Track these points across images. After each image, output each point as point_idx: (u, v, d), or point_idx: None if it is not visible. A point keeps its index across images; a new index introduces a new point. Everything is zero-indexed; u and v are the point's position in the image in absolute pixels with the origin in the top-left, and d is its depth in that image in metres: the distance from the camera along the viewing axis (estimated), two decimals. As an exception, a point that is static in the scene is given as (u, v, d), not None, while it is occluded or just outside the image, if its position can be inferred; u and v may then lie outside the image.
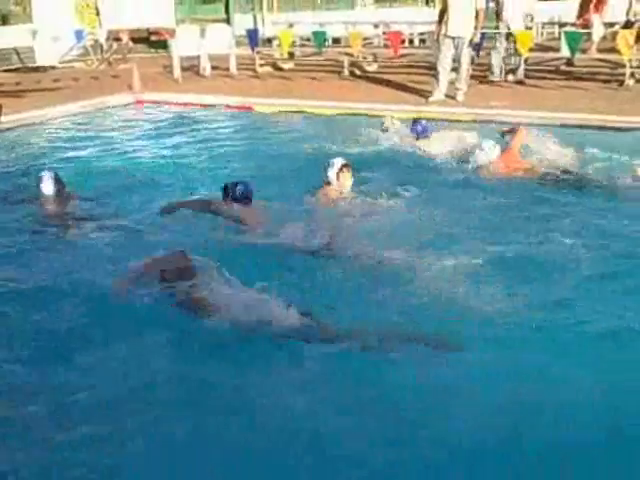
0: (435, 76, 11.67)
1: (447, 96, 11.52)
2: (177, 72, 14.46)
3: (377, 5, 22.23)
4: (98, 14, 17.43)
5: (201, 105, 11.94)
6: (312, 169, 6.99)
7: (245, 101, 11.93)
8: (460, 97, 11.42)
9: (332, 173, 6.51)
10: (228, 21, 19.09)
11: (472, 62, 12.33)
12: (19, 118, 11.02)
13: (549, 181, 7.11)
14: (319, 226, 5.77)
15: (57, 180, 6.60)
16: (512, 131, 7.99)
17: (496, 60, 12.84)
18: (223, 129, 10.49)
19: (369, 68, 14.97)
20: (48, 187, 6.50)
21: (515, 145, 7.72)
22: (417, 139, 8.34)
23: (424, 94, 11.88)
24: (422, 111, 10.62)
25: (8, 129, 10.53)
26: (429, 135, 8.40)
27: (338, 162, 6.55)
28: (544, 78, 12.97)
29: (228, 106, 11.81)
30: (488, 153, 7.49)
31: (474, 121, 10.08)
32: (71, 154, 9.16)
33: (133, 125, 11.00)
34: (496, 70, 12.85)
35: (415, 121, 8.60)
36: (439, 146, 8.17)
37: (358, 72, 14.70)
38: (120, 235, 5.83)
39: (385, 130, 8.66)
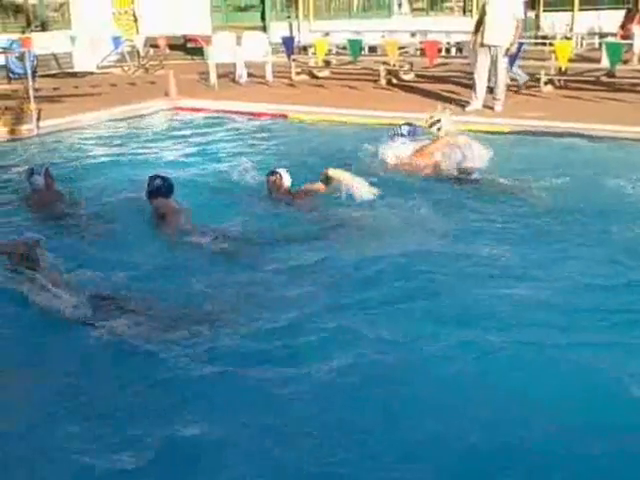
0: (472, 86, 11.64)
1: (485, 106, 11.47)
2: (213, 79, 14.57)
3: (414, 14, 22.24)
4: (136, 21, 17.67)
5: (236, 112, 12.01)
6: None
7: (280, 109, 11.97)
8: (498, 107, 11.36)
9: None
10: (264, 29, 19.23)
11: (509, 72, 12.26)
12: (57, 123, 11.17)
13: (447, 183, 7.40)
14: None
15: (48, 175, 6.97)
16: (438, 122, 8.15)
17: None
18: (258, 136, 10.54)
19: (405, 77, 14.96)
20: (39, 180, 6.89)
21: (431, 149, 7.87)
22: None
23: (461, 104, 11.84)
24: (459, 121, 10.57)
25: (46, 134, 10.68)
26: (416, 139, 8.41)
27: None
28: (584, 89, 12.86)
29: (263, 113, 11.86)
30: (397, 149, 7.82)
31: (512, 132, 10.03)
32: (107, 159, 9.26)
33: (169, 131, 11.10)
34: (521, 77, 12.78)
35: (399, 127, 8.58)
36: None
37: (394, 81, 14.70)
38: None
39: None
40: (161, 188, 6.37)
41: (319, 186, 6.88)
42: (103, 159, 9.30)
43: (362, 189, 6.58)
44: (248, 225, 6.24)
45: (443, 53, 15.68)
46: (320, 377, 3.97)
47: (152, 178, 6.47)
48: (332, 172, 6.79)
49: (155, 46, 17.54)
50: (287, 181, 6.92)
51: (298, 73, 15.72)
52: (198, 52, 18.80)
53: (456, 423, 3.59)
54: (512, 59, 11.92)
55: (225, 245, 5.76)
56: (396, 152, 7.89)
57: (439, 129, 8.24)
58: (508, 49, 11.18)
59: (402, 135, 8.43)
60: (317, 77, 15.74)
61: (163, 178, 6.47)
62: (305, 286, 5.07)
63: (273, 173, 6.98)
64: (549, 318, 4.56)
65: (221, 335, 4.42)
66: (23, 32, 17.57)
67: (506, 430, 3.55)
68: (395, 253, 5.53)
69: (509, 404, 3.73)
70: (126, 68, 17.45)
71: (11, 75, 15.03)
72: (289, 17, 20.49)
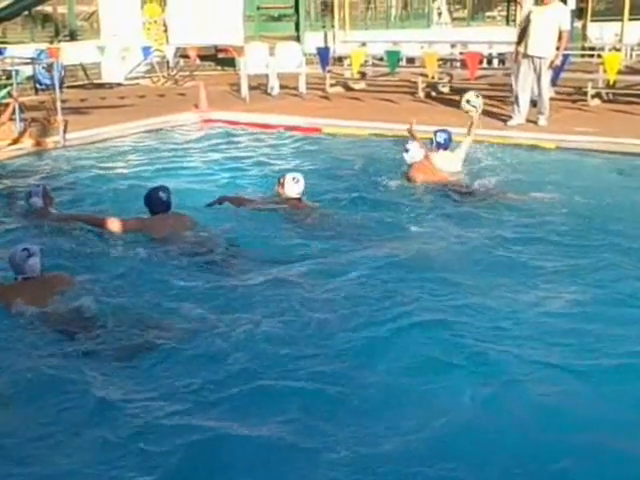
0: (515, 99, 11.58)
1: (528, 121, 11.39)
2: (244, 91, 14.67)
3: (454, 23, 22.24)
4: (166, 31, 17.85)
5: (268, 125, 12.07)
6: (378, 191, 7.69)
7: (314, 122, 12.01)
8: (542, 122, 11.27)
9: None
10: (298, 39, 19.33)
11: (553, 85, 12.17)
12: (83, 136, 11.32)
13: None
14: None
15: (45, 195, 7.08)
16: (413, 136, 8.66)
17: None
18: (290, 150, 10.58)
19: (445, 90, 14.94)
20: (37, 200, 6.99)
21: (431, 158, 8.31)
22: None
23: (502, 118, 11.77)
24: (500, 136, 10.54)
25: (73, 146, 10.82)
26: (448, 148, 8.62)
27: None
28: (634, 103, 12.72)
29: (297, 127, 11.90)
30: (413, 154, 8.19)
31: (557, 148, 9.94)
32: (133, 173, 9.37)
33: (198, 144, 11.18)
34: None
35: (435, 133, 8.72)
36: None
37: (433, 94, 14.68)
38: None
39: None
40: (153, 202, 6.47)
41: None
42: (130, 173, 9.40)
43: None
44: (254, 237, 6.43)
45: (484, 64, 15.58)
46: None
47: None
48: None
49: (185, 56, 17.72)
50: (291, 189, 7.00)
51: (333, 85, 15.77)
52: (229, 63, 18.97)
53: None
54: (557, 72, 11.83)
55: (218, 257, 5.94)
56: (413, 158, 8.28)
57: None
58: (553, 61, 11.11)
59: (438, 143, 8.47)
60: (352, 89, 15.78)
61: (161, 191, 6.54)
62: (290, 303, 5.14)
63: (279, 179, 7.15)
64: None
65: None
66: (51, 42, 17.89)
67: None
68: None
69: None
70: (155, 79, 17.66)
71: (38, 86, 15.31)
72: (324, 27, 20.61)
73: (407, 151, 8.32)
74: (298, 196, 7.04)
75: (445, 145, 8.58)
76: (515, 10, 19.60)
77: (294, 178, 7.02)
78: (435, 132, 8.74)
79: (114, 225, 6.46)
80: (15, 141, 10.45)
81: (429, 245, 6.26)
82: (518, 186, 7.99)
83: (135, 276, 5.65)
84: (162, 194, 6.46)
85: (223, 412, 3.93)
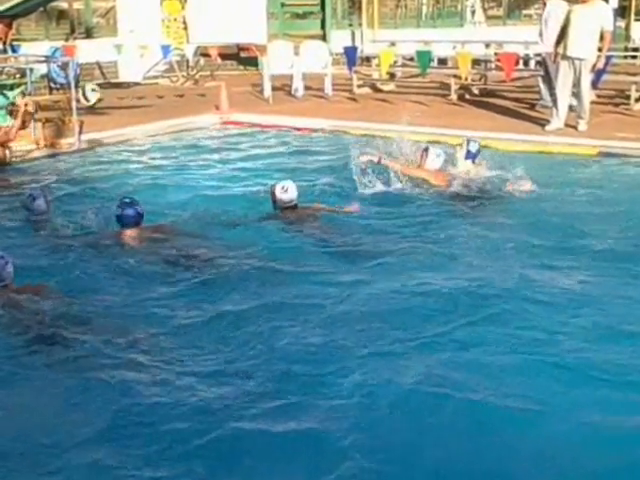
0: (553, 102, 11.53)
1: (567, 125, 11.34)
2: (267, 92, 14.74)
3: (489, 22, 22.21)
4: (186, 29, 17.99)
5: (293, 128, 12.11)
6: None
7: (340, 125, 12.03)
8: (582, 127, 11.21)
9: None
10: (324, 38, 19.39)
11: (594, 88, 12.12)
12: (99, 137, 11.43)
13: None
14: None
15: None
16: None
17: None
18: (316, 154, 10.58)
19: (477, 92, 14.91)
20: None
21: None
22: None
23: (540, 122, 11.73)
24: (537, 142, 10.50)
25: (88, 148, 10.92)
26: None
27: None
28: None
29: (322, 130, 11.93)
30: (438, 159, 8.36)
31: (598, 154, 9.89)
32: (150, 178, 9.44)
33: (218, 148, 11.23)
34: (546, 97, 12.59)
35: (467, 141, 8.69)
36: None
37: (467, 96, 14.66)
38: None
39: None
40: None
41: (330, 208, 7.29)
42: (145, 177, 9.45)
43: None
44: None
45: (521, 66, 15.53)
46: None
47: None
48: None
49: (206, 55, 17.84)
50: (281, 199, 7.06)
51: (360, 86, 15.80)
52: (252, 62, 19.05)
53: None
54: (598, 74, 11.77)
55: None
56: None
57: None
58: (595, 64, 11.06)
59: (469, 152, 8.45)
60: (381, 90, 15.80)
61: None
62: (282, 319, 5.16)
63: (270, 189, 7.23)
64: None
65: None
66: (67, 39, 18.10)
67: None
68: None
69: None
70: (174, 79, 17.78)
71: (52, 85, 15.45)
72: (351, 25, 20.67)
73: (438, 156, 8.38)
74: (290, 204, 7.09)
75: (474, 156, 8.52)
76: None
77: (283, 187, 7.07)
78: (468, 140, 8.71)
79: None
80: (28, 143, 10.55)
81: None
82: (555, 194, 7.95)
83: (116, 287, 5.75)
84: (125, 211, 6.57)
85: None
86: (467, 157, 8.51)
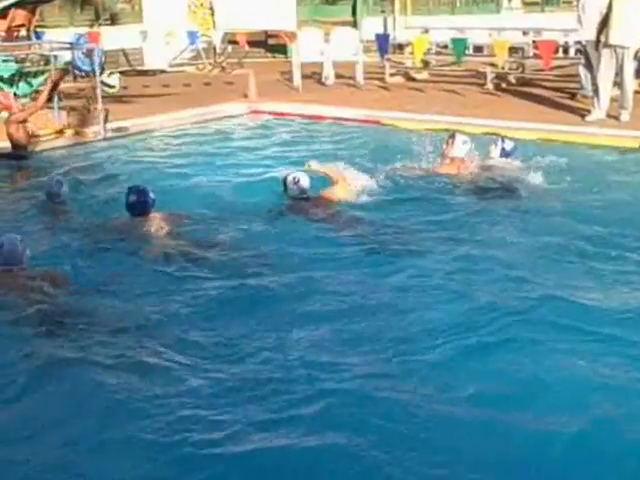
0: (594, 91, 11.42)
1: (609, 116, 11.23)
2: (297, 80, 14.74)
3: (526, 9, 22.01)
4: (213, 15, 18.06)
5: (322, 117, 12.10)
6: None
7: (372, 114, 12.00)
8: (625, 117, 11.09)
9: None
10: (355, 24, 19.36)
11: (638, 77, 11.99)
12: (125, 126, 11.49)
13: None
14: None
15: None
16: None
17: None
18: (347, 144, 10.55)
19: (515, 81, 14.81)
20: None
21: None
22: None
23: (581, 113, 11.62)
24: (579, 133, 10.41)
25: (113, 137, 10.99)
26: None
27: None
28: None
29: (353, 119, 11.91)
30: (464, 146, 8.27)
31: (641, 147, 9.79)
32: (174, 166, 9.52)
33: (246, 137, 11.27)
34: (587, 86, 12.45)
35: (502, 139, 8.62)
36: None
37: (504, 85, 14.56)
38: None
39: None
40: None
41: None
42: (171, 167, 9.51)
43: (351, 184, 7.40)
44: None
45: (560, 54, 15.40)
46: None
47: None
48: (314, 166, 7.70)
49: (234, 42, 17.88)
50: (292, 190, 7.15)
51: (392, 75, 15.74)
52: (281, 50, 19.09)
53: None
54: (643, 62, 11.66)
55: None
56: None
57: None
58: (638, 51, 10.95)
59: (504, 151, 8.38)
60: (414, 79, 15.74)
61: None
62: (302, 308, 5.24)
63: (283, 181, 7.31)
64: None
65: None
66: (91, 26, 18.21)
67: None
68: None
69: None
70: (201, 66, 17.86)
71: (77, 72, 15.57)
72: (383, 12, 20.59)
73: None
74: (302, 195, 7.17)
75: (509, 154, 8.45)
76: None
77: (294, 178, 7.16)
78: (503, 138, 8.64)
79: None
80: (54, 131, 10.64)
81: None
82: (592, 188, 7.89)
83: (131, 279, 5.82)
84: (133, 198, 6.65)
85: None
86: (502, 155, 8.44)
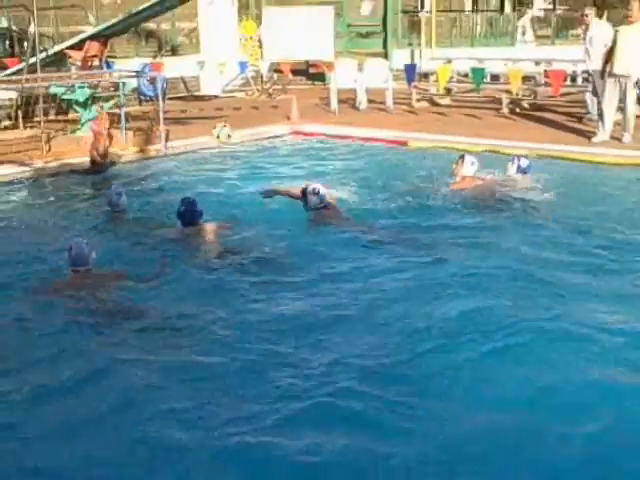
0: (600, 116, 11.29)
1: (612, 137, 11.09)
2: (334, 104, 14.74)
3: (538, 42, 21.84)
4: (261, 47, 18.13)
5: (357, 138, 12.09)
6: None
7: (400, 135, 11.96)
8: (627, 139, 10.94)
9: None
10: (386, 56, 19.33)
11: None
12: (183, 144, 11.57)
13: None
14: None
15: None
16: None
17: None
18: (377, 162, 10.55)
19: (528, 106, 14.68)
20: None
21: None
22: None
23: (587, 135, 11.49)
24: (585, 152, 10.30)
25: (173, 154, 11.08)
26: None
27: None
28: None
29: (383, 140, 11.88)
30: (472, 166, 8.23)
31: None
32: (224, 180, 9.55)
33: (290, 154, 11.29)
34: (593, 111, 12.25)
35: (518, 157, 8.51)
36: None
37: (518, 110, 14.44)
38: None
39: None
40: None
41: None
42: (223, 181, 9.53)
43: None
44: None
45: (569, 82, 15.23)
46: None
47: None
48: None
49: (279, 71, 17.94)
50: (312, 201, 7.08)
51: (418, 100, 15.70)
52: (320, 78, 19.11)
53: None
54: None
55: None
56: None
57: None
58: (639, 80, 10.83)
59: (520, 168, 8.30)
60: (438, 104, 15.66)
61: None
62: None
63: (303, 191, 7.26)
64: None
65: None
66: (155, 56, 18.37)
67: None
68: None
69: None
70: (250, 92, 17.93)
71: (142, 97, 15.73)
72: (411, 44, 20.52)
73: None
74: (321, 205, 7.11)
75: (525, 170, 8.36)
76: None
77: (314, 189, 7.10)
78: (518, 156, 8.55)
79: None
80: (120, 148, 10.76)
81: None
82: (598, 200, 7.81)
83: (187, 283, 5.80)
84: (184, 208, 6.68)
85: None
86: (518, 171, 8.37)
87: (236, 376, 4.35)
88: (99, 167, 9.80)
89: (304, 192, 7.14)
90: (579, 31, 22.75)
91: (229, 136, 9.61)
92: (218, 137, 9.65)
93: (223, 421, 3.86)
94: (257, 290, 5.56)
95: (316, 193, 7.08)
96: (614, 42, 10.87)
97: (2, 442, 3.77)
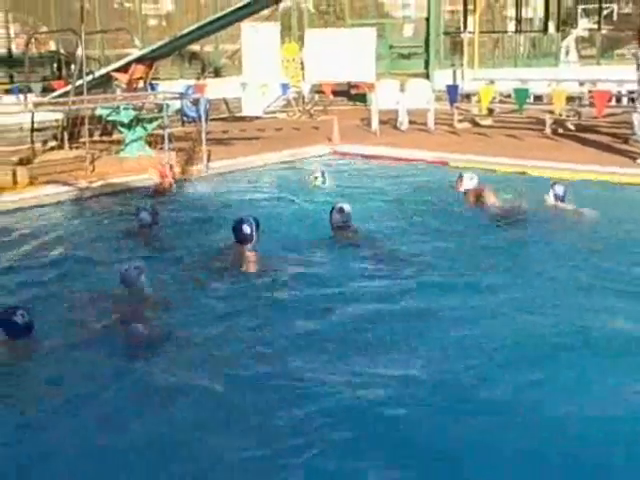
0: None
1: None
2: (375, 125, 14.79)
3: (582, 62, 21.66)
4: (302, 68, 18.26)
5: (397, 159, 12.08)
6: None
7: (441, 156, 11.93)
8: (672, 160, 10.81)
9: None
10: (427, 76, 19.33)
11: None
12: (225, 164, 11.71)
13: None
14: None
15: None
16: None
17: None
18: (417, 183, 10.49)
19: (572, 127, 14.55)
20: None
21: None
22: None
23: (631, 155, 11.35)
24: (630, 174, 10.17)
25: (215, 174, 11.19)
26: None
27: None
28: None
29: (424, 160, 11.86)
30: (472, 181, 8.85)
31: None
32: (268, 201, 9.62)
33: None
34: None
35: (554, 183, 8.40)
36: None
37: (561, 130, 14.32)
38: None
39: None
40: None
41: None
42: (265, 201, 9.61)
43: None
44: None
45: (614, 102, 15.06)
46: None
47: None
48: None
49: (320, 92, 18.06)
50: (334, 219, 7.26)
51: (460, 121, 15.66)
52: (361, 98, 19.18)
53: None
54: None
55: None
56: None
57: None
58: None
59: (558, 195, 8.19)
60: (479, 125, 15.61)
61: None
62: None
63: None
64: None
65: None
66: (198, 78, 18.63)
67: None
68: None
69: None
70: (291, 113, 18.07)
71: (185, 118, 15.95)
72: (453, 65, 20.51)
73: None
74: (343, 224, 7.27)
75: (563, 197, 8.26)
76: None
77: (340, 208, 7.29)
78: (555, 183, 8.40)
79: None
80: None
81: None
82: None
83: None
84: (238, 226, 6.67)
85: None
86: (556, 199, 8.26)
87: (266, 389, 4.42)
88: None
89: (331, 210, 7.33)
90: (624, 50, 22.56)
91: (324, 183, 9.99)
92: (315, 185, 9.93)
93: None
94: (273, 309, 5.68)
95: (340, 211, 7.24)
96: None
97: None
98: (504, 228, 7.66)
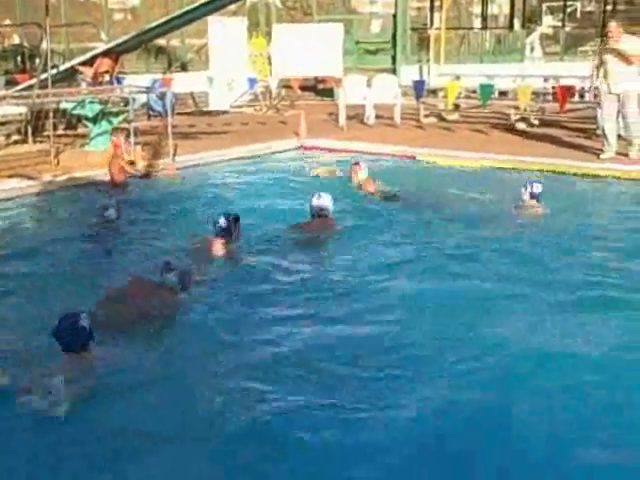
0: (602, 132, 11.31)
1: (618, 153, 11.08)
2: (342, 120, 14.82)
3: (547, 58, 21.89)
4: (270, 63, 18.24)
5: (364, 152, 12.11)
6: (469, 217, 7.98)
7: (408, 150, 12.00)
8: (633, 154, 10.96)
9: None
10: (394, 72, 19.39)
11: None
12: (191, 159, 11.63)
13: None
14: None
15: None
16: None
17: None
18: (387, 177, 10.53)
19: (536, 122, 14.71)
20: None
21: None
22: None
23: (594, 152, 11.49)
24: (591, 168, 10.33)
25: (181, 168, 11.11)
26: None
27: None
28: None
29: (392, 154, 11.92)
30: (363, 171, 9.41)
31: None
32: (231, 193, 9.67)
33: (297, 170, 11.28)
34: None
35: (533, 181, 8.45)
36: None
37: (524, 126, 14.47)
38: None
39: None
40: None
41: None
42: (231, 195, 9.59)
43: None
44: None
45: (577, 98, 15.24)
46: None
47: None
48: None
49: (287, 87, 18.05)
50: (316, 203, 7.38)
51: (426, 116, 15.76)
52: (329, 93, 19.21)
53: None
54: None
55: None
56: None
57: None
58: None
59: (532, 195, 8.24)
60: (446, 120, 15.72)
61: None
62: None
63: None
64: None
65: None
66: (164, 72, 18.51)
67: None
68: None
69: None
70: (258, 108, 18.03)
71: (151, 112, 15.84)
72: (419, 60, 20.61)
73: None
74: (322, 213, 7.39)
75: (538, 195, 8.29)
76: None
77: (319, 195, 7.45)
78: (532, 182, 8.37)
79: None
80: (130, 162, 10.81)
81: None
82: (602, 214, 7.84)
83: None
84: (218, 220, 6.64)
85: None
86: (531, 197, 8.31)
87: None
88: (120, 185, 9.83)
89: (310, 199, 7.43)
90: (587, 47, 22.83)
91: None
92: (318, 175, 10.09)
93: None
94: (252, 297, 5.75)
95: (319, 198, 7.38)
96: (600, 61, 11.01)
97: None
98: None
